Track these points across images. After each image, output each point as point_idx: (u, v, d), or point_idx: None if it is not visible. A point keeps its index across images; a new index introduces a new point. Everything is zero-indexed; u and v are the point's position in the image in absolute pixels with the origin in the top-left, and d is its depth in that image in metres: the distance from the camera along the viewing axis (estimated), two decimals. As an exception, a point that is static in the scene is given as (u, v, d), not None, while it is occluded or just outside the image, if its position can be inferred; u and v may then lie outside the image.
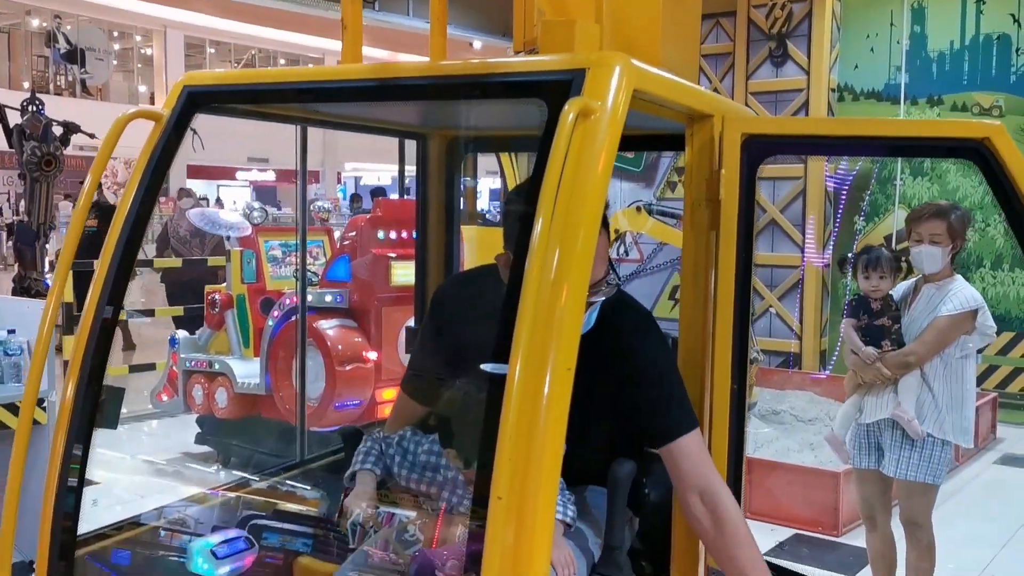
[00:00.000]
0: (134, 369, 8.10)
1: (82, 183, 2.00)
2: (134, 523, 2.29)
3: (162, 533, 2.19)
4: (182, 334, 6.79)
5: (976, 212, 8.32)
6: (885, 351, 3.94)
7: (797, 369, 8.87)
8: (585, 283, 1.50)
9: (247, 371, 6.14)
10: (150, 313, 9.42)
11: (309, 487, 2.33)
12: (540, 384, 1.41)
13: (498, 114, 2.39)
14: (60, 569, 1.81)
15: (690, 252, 2.11)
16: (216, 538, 2.02)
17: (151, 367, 7.75)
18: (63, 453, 1.82)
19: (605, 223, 1.94)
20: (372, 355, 5.76)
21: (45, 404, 4.65)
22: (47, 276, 10.64)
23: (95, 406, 1.82)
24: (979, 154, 1.82)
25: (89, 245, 10.13)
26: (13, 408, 4.53)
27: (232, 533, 2.05)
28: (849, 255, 4.32)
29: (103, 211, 10.18)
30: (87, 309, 1.95)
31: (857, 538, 5.24)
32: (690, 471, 2.00)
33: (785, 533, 5.49)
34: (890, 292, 4.02)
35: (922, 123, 3.09)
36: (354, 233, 6.05)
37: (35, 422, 4.58)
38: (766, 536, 5.43)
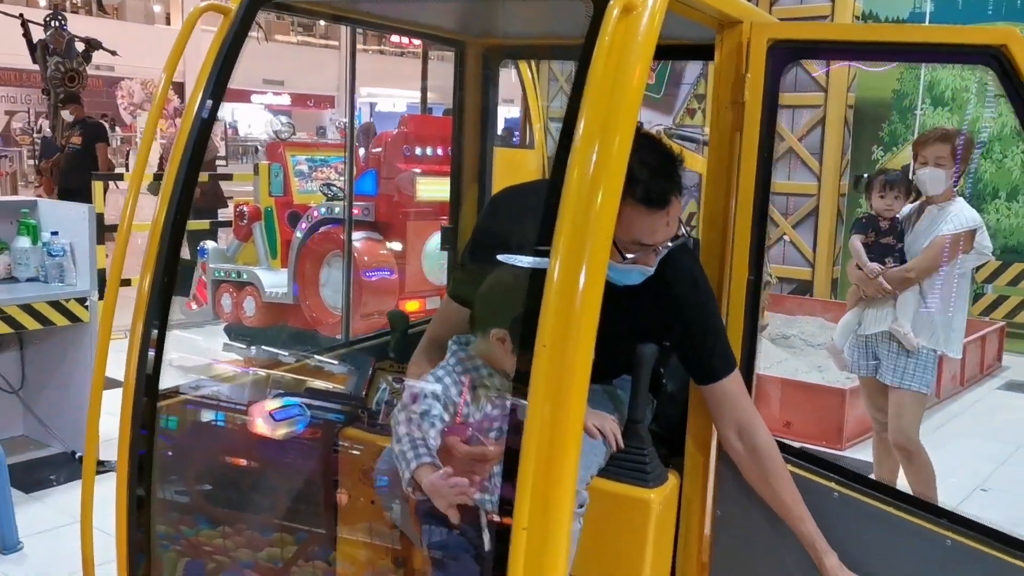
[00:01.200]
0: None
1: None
2: (184, 393, 2.45)
3: (219, 400, 2.39)
4: (211, 244, 6.98)
5: (994, 144, 8.39)
6: (888, 267, 4.13)
7: (809, 296, 9.04)
8: (621, 177, 1.62)
9: (275, 281, 6.34)
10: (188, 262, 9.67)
11: (355, 367, 2.51)
12: (576, 273, 1.53)
13: (537, 20, 2.51)
14: (141, 441, 1.98)
15: (715, 151, 2.25)
16: (275, 403, 2.23)
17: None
18: (145, 321, 1.97)
19: (679, 189, 2.06)
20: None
21: (88, 303, 4.88)
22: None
23: (174, 277, 1.99)
24: (997, 60, 1.94)
25: (73, 164, 10.19)
26: (59, 306, 4.76)
27: (289, 400, 2.25)
28: (866, 174, 4.48)
29: (88, 128, 10.29)
30: (162, 200, 2.08)
31: (859, 452, 5.48)
32: (729, 409, 2.19)
33: (792, 446, 5.71)
34: (898, 213, 4.20)
35: (941, 29, 3.18)
36: (380, 149, 6.19)
37: (76, 319, 4.84)
38: (773, 448, 5.67)
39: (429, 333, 2.31)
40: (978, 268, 7.78)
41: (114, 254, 2.13)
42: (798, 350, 7.54)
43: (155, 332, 1.97)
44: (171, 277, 1.97)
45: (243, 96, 33.37)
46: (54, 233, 4.93)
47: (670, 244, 2.09)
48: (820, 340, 8.00)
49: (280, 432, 2.18)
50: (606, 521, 2.15)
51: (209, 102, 2.07)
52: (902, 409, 4.15)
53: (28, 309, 4.64)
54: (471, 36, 2.97)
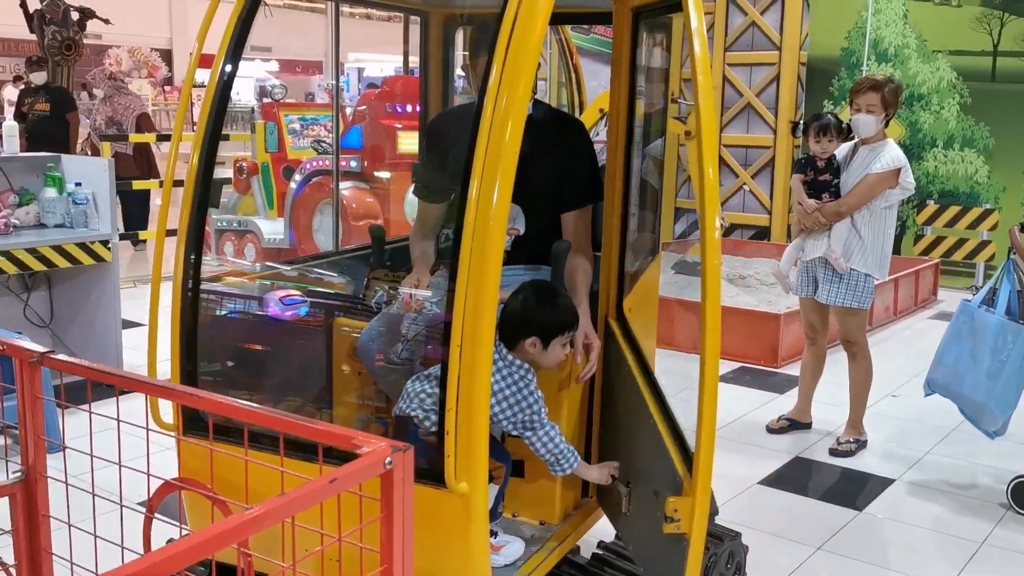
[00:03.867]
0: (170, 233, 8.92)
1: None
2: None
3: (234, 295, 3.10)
4: (213, 198, 7.65)
5: (932, 96, 9.07)
6: (824, 202, 4.77)
7: (766, 241, 9.77)
8: (525, 105, 2.33)
9: (272, 229, 7.04)
10: (179, 184, 10.21)
11: (341, 272, 3.23)
12: (503, 134, 2.24)
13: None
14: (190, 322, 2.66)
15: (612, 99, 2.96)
16: (282, 293, 2.94)
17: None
18: (189, 225, 2.66)
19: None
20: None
21: (110, 245, 5.57)
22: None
23: (207, 196, 2.68)
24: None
25: (43, 131, 9.99)
26: (85, 247, 5.44)
27: (292, 292, 2.97)
28: (801, 120, 5.12)
29: (53, 94, 10.09)
30: (196, 144, 2.76)
31: (792, 369, 6.22)
32: (583, 234, 2.99)
33: (732, 366, 6.47)
34: (834, 153, 4.82)
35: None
36: (364, 107, 6.86)
37: (100, 259, 5.53)
38: (716, 368, 6.42)
39: (416, 222, 3.21)
40: (914, 205, 8.50)
41: (161, 206, 2.81)
42: (753, 288, 8.27)
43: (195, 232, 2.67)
44: (206, 194, 2.67)
45: (231, 63, 33.67)
46: (78, 184, 5.60)
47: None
48: (772, 279, 8.76)
49: (288, 313, 2.90)
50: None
51: (229, 68, 2.74)
52: (843, 320, 4.86)
53: (58, 249, 5.32)
54: (433, 6, 3.65)
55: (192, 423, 2.65)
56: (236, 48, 2.69)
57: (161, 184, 8.45)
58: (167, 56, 20.49)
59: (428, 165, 3.30)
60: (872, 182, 4.65)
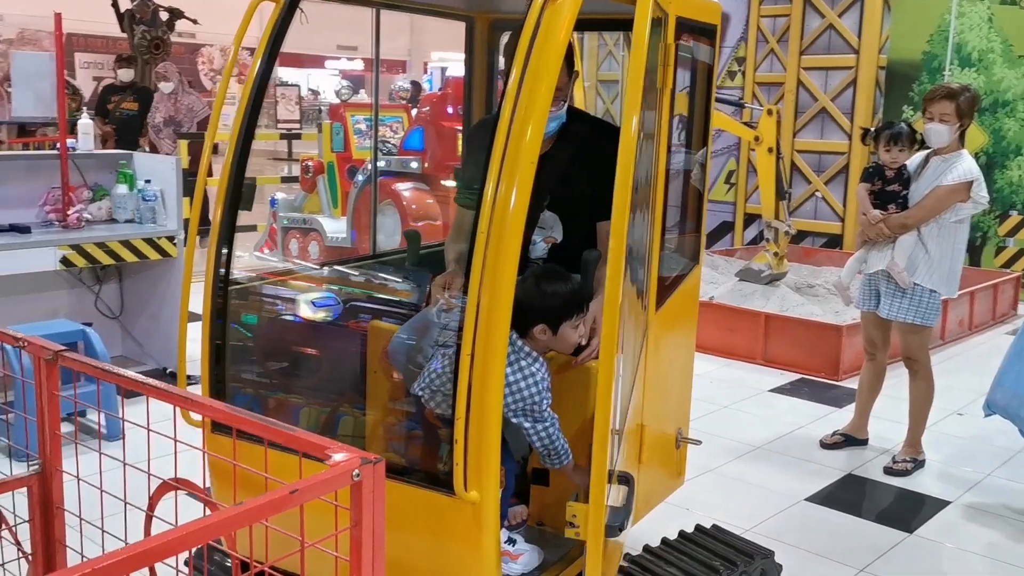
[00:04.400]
0: (239, 230, 9.11)
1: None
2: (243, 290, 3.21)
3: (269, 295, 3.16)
4: (280, 195, 7.83)
5: (1018, 103, 8.72)
6: (889, 213, 4.63)
7: (838, 249, 9.53)
8: (545, 113, 2.32)
9: (336, 227, 7.16)
10: (251, 181, 10.45)
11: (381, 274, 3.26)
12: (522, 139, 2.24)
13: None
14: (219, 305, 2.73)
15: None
16: (316, 294, 2.98)
17: (252, 228, 8.83)
18: (221, 222, 2.73)
19: (570, 63, 2.75)
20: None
21: (175, 241, 5.73)
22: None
23: (239, 194, 2.74)
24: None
25: (126, 129, 10.19)
26: (151, 243, 5.61)
27: (325, 293, 3.01)
28: (872, 128, 4.97)
29: (140, 93, 10.22)
30: (229, 153, 2.82)
31: (853, 383, 6.04)
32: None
33: (791, 377, 6.33)
34: (905, 163, 4.65)
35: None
36: (427, 108, 6.92)
37: (166, 254, 5.69)
38: (776, 377, 6.30)
39: (452, 227, 3.27)
40: (996, 215, 8.18)
41: (194, 201, 2.87)
42: (820, 298, 8.07)
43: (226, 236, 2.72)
44: (238, 192, 2.72)
45: (318, 61, 34.41)
46: (147, 181, 5.79)
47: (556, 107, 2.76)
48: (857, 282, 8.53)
49: (320, 316, 2.94)
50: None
51: (261, 77, 2.79)
52: (905, 336, 4.70)
53: (127, 245, 5.51)
54: (477, 11, 3.65)
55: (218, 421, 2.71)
56: (272, 50, 2.74)
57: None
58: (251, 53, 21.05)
59: (465, 171, 3.32)
60: (942, 194, 4.49)
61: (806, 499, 4.39)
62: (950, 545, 3.98)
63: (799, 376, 6.35)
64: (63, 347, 1.94)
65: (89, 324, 5.28)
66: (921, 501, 4.43)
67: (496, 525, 2.35)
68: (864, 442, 5.05)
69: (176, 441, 1.72)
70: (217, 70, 31.34)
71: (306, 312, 2.92)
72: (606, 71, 11.56)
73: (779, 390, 6.08)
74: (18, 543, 2.02)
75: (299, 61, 32.53)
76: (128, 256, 5.52)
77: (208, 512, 1.69)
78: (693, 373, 3.47)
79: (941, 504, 4.38)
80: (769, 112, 7.59)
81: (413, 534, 2.42)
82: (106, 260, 5.46)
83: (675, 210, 3.33)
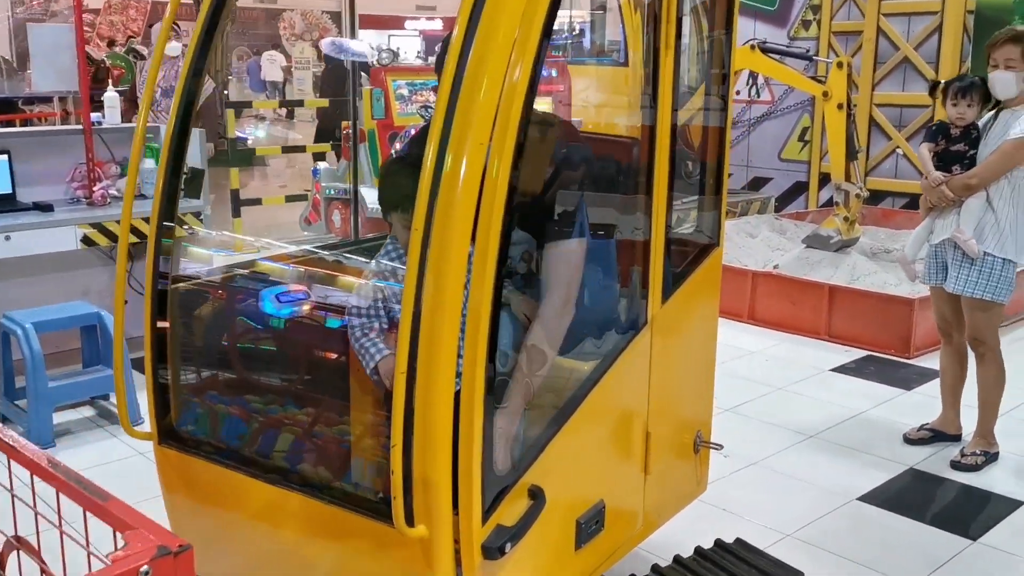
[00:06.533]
0: (289, 199, 8.93)
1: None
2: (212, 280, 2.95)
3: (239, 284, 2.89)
4: (323, 165, 7.60)
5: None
6: (953, 175, 4.13)
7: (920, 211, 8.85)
8: (498, 82, 1.96)
9: (376, 197, 6.88)
10: (301, 149, 10.29)
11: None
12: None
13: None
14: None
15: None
16: (282, 288, 2.70)
17: (303, 197, 8.65)
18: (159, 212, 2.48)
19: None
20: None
21: (201, 216, 5.55)
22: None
23: (179, 183, 2.48)
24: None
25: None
26: (176, 219, 5.44)
27: (297, 287, 2.73)
28: (942, 80, 4.46)
29: None
30: (170, 122, 2.56)
31: (927, 361, 5.54)
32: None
33: (858, 354, 5.84)
34: (975, 121, 4.16)
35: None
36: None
37: (193, 231, 5.51)
38: (840, 355, 5.82)
39: None
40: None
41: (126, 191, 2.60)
42: (895, 265, 7.49)
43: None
44: (176, 181, 2.46)
45: (397, 23, 34.22)
46: (174, 156, 5.61)
47: None
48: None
49: (283, 311, 2.66)
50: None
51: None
52: (972, 313, 4.19)
53: (148, 221, 5.34)
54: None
55: (166, 433, 2.48)
56: (211, 22, 2.45)
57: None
58: (337, 19, 20.92)
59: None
60: (1008, 149, 3.97)
61: (859, 498, 3.97)
62: (1018, 557, 3.53)
63: (866, 353, 5.85)
64: None
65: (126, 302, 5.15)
66: (988, 501, 3.96)
67: (450, 564, 2.05)
68: (956, 438, 4.49)
69: (13, 495, 1.46)
70: (299, 35, 31.50)
71: (270, 309, 2.65)
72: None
73: (842, 369, 5.61)
74: None
75: (380, 22, 32.47)
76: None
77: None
78: (715, 368, 3.09)
79: (1013, 505, 3.91)
80: (839, 65, 7.01)
81: (359, 570, 2.15)
82: (132, 239, 5.30)
83: (687, 184, 2.93)
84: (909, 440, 4.52)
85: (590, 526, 2.43)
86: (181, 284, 2.60)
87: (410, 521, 1.97)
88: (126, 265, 2.53)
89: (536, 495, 2.15)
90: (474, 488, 1.98)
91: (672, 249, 2.69)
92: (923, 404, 4.97)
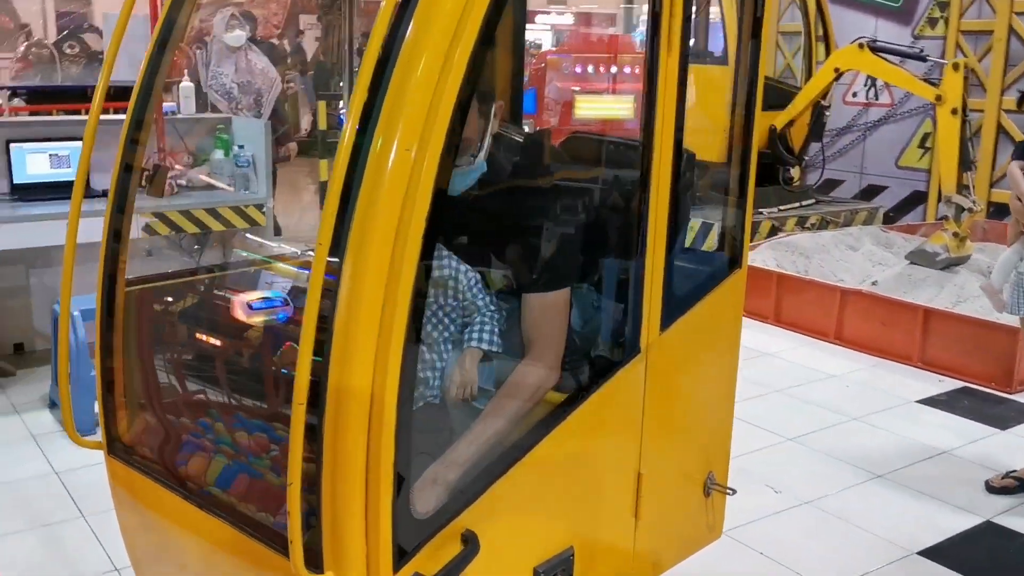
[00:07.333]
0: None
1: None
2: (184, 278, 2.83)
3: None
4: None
5: None
6: None
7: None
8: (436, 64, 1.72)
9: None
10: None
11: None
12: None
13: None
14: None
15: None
16: (257, 295, 2.56)
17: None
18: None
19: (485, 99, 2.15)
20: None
21: (264, 208, 5.53)
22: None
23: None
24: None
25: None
26: (239, 211, 5.43)
27: (273, 292, 2.57)
28: None
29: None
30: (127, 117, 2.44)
31: (1030, 397, 5.01)
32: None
33: (953, 385, 5.32)
34: None
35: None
36: (543, 65, 6.30)
37: (254, 222, 5.50)
38: (931, 384, 5.32)
39: None
40: None
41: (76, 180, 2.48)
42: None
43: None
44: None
45: (528, 18, 34.23)
46: (240, 146, 5.60)
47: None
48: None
49: (255, 319, 2.51)
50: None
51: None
52: None
53: (212, 213, 5.35)
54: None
55: (112, 444, 2.37)
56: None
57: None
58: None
59: None
60: None
61: (920, 552, 3.55)
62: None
63: (962, 384, 5.32)
64: None
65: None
66: (1076, 567, 3.48)
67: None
68: None
69: None
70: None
71: (242, 316, 2.50)
72: (788, 22, 10.39)
73: (931, 401, 5.11)
74: None
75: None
76: (214, 224, 5.36)
77: None
78: (734, 405, 2.76)
79: (1103, 574, 3.43)
80: (955, 67, 6.43)
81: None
82: (191, 228, 5.32)
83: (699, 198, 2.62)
84: (991, 488, 4.04)
85: (552, 574, 2.18)
86: (136, 287, 2.47)
87: (316, 566, 1.78)
88: (74, 256, 2.42)
89: (468, 540, 1.92)
90: (382, 531, 1.77)
91: (677, 269, 2.40)
92: (1019, 447, 4.46)
